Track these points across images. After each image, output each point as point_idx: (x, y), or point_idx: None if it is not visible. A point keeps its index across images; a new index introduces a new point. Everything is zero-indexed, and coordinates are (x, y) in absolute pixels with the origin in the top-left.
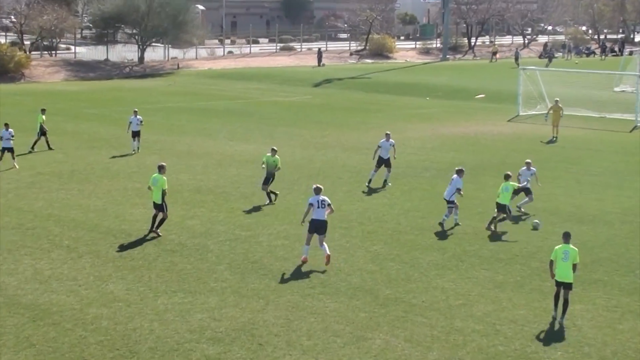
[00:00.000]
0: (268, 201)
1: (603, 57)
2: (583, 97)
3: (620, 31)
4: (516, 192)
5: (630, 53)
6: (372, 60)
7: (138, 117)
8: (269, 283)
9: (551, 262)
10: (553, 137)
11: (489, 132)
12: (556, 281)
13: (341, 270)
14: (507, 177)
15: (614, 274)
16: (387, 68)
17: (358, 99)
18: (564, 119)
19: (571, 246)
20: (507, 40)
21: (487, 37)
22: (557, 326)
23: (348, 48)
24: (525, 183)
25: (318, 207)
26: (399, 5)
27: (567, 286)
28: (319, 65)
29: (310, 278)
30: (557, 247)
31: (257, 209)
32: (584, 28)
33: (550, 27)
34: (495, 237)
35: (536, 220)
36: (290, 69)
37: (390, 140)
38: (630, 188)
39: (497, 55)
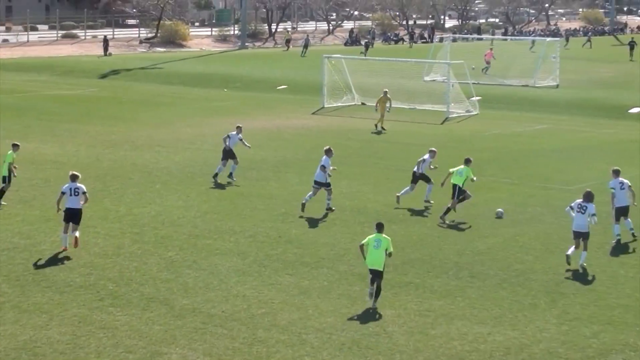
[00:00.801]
0: None
1: (411, 44)
2: (392, 87)
3: (430, 17)
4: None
5: (441, 40)
6: (164, 49)
7: None
8: (53, 296)
9: (361, 246)
10: (380, 128)
11: (292, 126)
12: (369, 269)
13: (133, 280)
14: (467, 162)
15: (426, 276)
16: (180, 57)
17: (149, 91)
18: (369, 112)
19: (384, 235)
20: (310, 26)
21: (289, 23)
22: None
23: (137, 35)
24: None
25: (71, 195)
26: None
27: (378, 274)
28: (105, 54)
29: (99, 289)
30: (369, 236)
31: (39, 214)
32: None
33: (356, 13)
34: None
35: (500, 209)
36: (74, 58)
37: (240, 135)
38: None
39: (291, 44)
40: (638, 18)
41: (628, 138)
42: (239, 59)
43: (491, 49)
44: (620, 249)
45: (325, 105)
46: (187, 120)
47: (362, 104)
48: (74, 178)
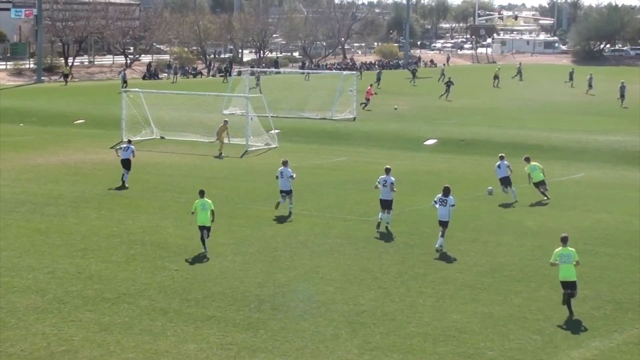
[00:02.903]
0: None
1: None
2: (192, 121)
3: (228, 50)
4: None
5: (239, 73)
6: None
7: None
8: None
9: (552, 264)
10: (219, 153)
11: (91, 161)
12: (562, 282)
13: None
14: (528, 160)
15: (228, 309)
16: None
17: None
18: (168, 145)
19: (569, 248)
20: (108, 60)
21: (86, 56)
22: None
23: None
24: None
25: None
26: None
27: (572, 285)
28: None
29: None
30: (556, 250)
31: None
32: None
33: (159, 46)
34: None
35: (490, 187)
36: None
37: None
38: (243, 216)
39: (70, 78)
40: (431, 52)
41: (424, 169)
42: (35, 93)
43: (371, 86)
44: (416, 277)
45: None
46: None
47: (162, 137)
48: None
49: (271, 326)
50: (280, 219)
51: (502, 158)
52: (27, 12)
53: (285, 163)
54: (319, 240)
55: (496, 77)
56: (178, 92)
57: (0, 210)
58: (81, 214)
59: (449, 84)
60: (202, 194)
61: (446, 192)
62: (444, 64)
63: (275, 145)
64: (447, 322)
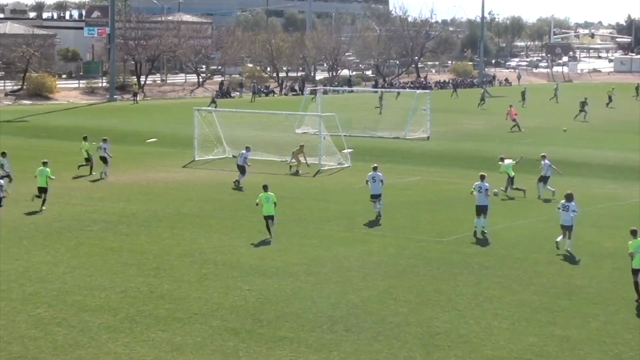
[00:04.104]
0: None
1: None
2: (264, 140)
3: (300, 69)
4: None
5: (312, 92)
6: (31, 102)
7: None
8: None
9: (631, 254)
10: (295, 170)
11: (162, 180)
12: (633, 270)
13: (0, 339)
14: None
15: (300, 330)
16: (47, 110)
17: (16, 145)
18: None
19: None
20: (180, 78)
21: (159, 75)
22: None
23: (2, 88)
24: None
25: None
26: (60, 41)
27: None
28: None
29: None
30: (630, 242)
31: None
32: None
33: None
34: None
35: (495, 190)
36: None
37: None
38: (315, 236)
39: (139, 97)
40: (506, 70)
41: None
42: (108, 111)
43: (511, 106)
44: (491, 299)
45: (197, 158)
46: (55, 175)
47: (234, 156)
48: None
49: (344, 348)
50: (353, 239)
51: (544, 157)
52: (100, 30)
53: (375, 168)
54: (392, 261)
55: (610, 97)
56: (250, 111)
57: (73, 229)
58: (153, 233)
59: (583, 104)
60: (265, 188)
61: (569, 197)
62: (525, 89)
63: (348, 165)
64: (523, 345)
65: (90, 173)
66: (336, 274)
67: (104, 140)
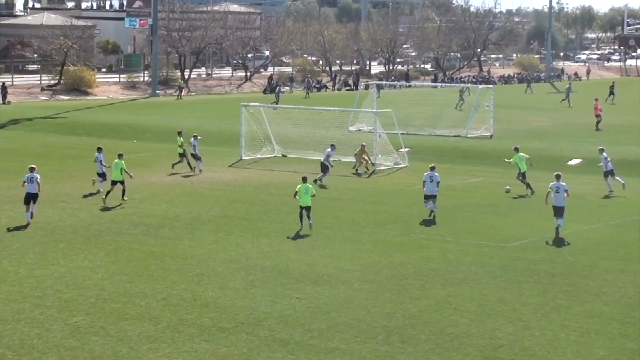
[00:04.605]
0: None
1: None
2: (315, 138)
3: (355, 62)
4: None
5: (366, 87)
6: (68, 97)
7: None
8: None
9: None
10: (360, 170)
11: (207, 180)
12: None
13: (34, 348)
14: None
15: (354, 342)
16: (86, 106)
17: (52, 142)
18: (290, 164)
19: None
20: (226, 72)
21: (204, 69)
22: None
23: (39, 82)
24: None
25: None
26: (100, 32)
27: None
28: (3, 102)
29: None
30: None
31: None
32: (313, 58)
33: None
34: None
35: (507, 187)
36: None
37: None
38: (370, 241)
39: (184, 92)
40: (575, 64)
41: None
42: (150, 107)
43: (596, 99)
44: (558, 310)
45: (244, 157)
46: (94, 174)
47: (283, 155)
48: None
49: None
50: (410, 244)
51: (601, 151)
52: (142, 21)
53: (432, 168)
54: (452, 268)
55: None
56: (300, 107)
57: (112, 232)
58: (197, 237)
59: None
60: (305, 180)
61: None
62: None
63: (405, 165)
64: (593, 359)
65: (191, 169)
66: (392, 282)
67: (195, 137)
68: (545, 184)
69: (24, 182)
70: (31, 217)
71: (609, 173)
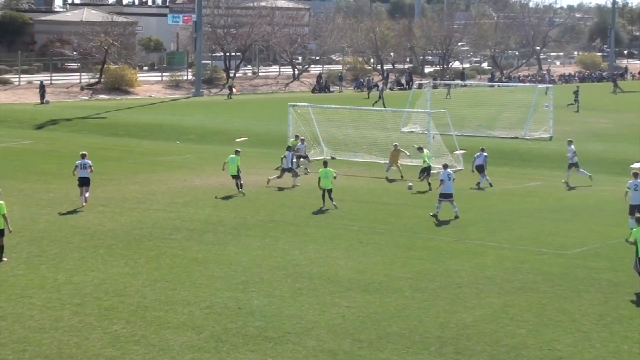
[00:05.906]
0: None
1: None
2: (366, 139)
3: (408, 60)
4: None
5: (420, 86)
6: (109, 96)
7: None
8: None
9: None
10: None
11: (253, 183)
12: None
13: (73, 358)
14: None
15: (406, 353)
16: (127, 105)
17: (92, 143)
18: (340, 167)
19: None
20: (273, 71)
21: (250, 67)
22: None
23: (78, 81)
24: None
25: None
26: (142, 29)
27: None
28: (41, 102)
29: None
30: None
31: None
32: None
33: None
34: None
35: (410, 183)
36: (6, 107)
37: None
38: (423, 248)
39: (235, 89)
40: (639, 62)
41: None
42: (194, 107)
43: None
44: (621, 320)
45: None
46: (135, 177)
47: (332, 158)
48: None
49: None
50: (465, 251)
51: (570, 142)
52: (185, 17)
53: (445, 166)
54: (509, 276)
55: None
56: (350, 107)
57: (154, 237)
58: (242, 243)
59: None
60: (325, 164)
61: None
62: None
63: (460, 168)
64: None
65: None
66: (445, 290)
67: (302, 141)
68: (605, 189)
69: (76, 167)
70: (85, 201)
71: (573, 165)
